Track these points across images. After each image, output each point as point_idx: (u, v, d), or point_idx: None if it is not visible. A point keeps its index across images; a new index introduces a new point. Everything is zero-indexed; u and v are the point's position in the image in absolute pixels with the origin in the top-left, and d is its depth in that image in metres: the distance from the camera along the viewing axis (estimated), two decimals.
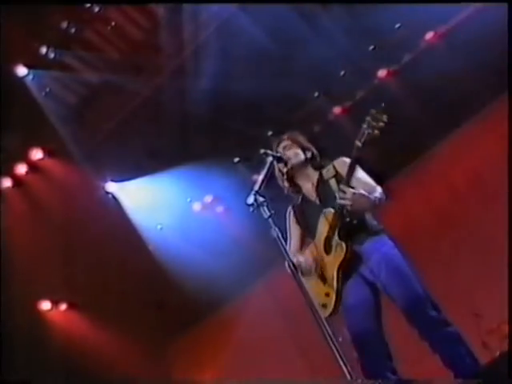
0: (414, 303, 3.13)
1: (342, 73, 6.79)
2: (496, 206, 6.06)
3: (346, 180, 3.20)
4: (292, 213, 3.56)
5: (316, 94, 7.00)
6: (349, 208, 3.17)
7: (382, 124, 3.09)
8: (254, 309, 7.82)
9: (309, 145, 3.59)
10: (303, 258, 3.33)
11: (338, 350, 2.41)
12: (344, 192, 3.15)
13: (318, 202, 3.43)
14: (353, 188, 3.19)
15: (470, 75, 6.44)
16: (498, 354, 4.61)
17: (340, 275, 3.24)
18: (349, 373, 2.42)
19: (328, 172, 3.45)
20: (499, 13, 5.66)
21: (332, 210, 3.26)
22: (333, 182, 3.38)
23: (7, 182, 6.73)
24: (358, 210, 3.21)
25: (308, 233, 3.47)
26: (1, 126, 6.05)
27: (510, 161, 5.60)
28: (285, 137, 3.58)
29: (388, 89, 6.76)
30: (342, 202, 3.16)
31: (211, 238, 7.36)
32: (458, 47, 6.35)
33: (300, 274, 2.88)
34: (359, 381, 2.72)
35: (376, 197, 3.26)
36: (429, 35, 6.56)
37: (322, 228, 3.33)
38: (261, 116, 6.59)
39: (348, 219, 3.26)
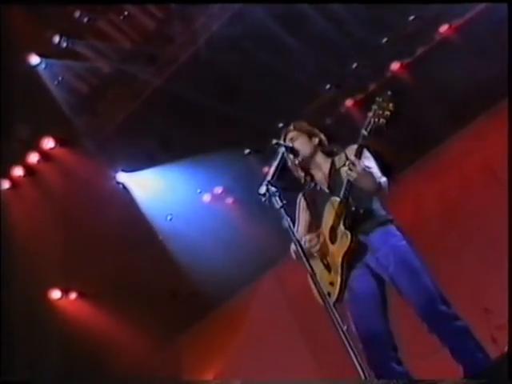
0: (424, 297, 3.11)
1: (355, 65, 6.75)
2: (505, 200, 6.00)
3: (357, 153, 3.15)
4: (303, 199, 3.54)
5: (328, 87, 6.97)
6: (352, 180, 3.14)
7: (387, 113, 3.07)
8: (263, 300, 7.84)
9: (315, 131, 3.57)
10: (306, 238, 3.30)
11: (347, 338, 2.40)
12: (354, 164, 3.11)
13: (328, 190, 3.42)
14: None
15: (483, 69, 6.38)
16: (506, 349, 4.58)
17: (344, 265, 3.23)
18: (358, 362, 2.41)
19: (340, 160, 3.43)
20: None
21: (338, 199, 3.25)
22: (343, 170, 3.33)
23: (19, 171, 6.75)
24: (360, 186, 3.17)
25: (316, 220, 3.45)
26: (13, 114, 6.07)
27: (510, 161, 5.55)
28: (291, 127, 3.57)
29: (401, 82, 6.72)
30: (349, 172, 3.12)
31: (221, 229, 7.37)
32: (472, 41, 6.29)
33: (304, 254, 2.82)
34: (370, 380, 2.71)
35: (380, 182, 3.24)
36: (443, 28, 6.49)
37: (328, 217, 3.31)
38: (272, 108, 6.57)
39: (354, 208, 3.24)
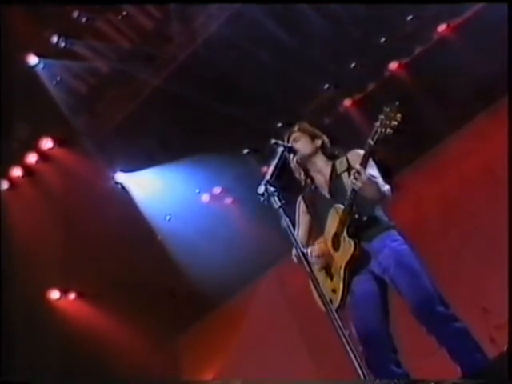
0: (423, 299, 3.12)
1: (353, 65, 6.75)
2: (504, 200, 6.00)
3: (363, 162, 3.12)
4: (302, 202, 3.54)
5: (326, 86, 6.97)
6: (356, 189, 3.11)
7: (395, 123, 3.04)
8: (263, 300, 7.84)
9: (319, 133, 3.57)
10: (310, 249, 3.31)
11: (348, 342, 2.40)
12: (359, 173, 3.09)
13: (328, 195, 3.41)
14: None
15: (482, 68, 6.39)
16: (505, 348, 4.58)
17: (347, 272, 3.24)
18: (358, 365, 2.40)
19: (341, 165, 3.42)
20: None
21: (342, 207, 3.24)
22: (345, 176, 3.35)
23: (17, 171, 6.74)
24: (365, 195, 3.16)
25: (317, 223, 3.45)
26: (12, 115, 6.05)
27: (510, 160, 5.56)
28: (295, 129, 3.56)
29: (399, 81, 6.72)
30: (355, 182, 3.09)
31: (220, 229, 7.37)
32: (470, 40, 6.30)
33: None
34: (370, 380, 2.70)
35: (384, 191, 3.24)
36: (441, 27, 6.50)
37: (331, 224, 3.31)
38: (271, 107, 6.57)
39: (357, 216, 3.24)
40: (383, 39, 6.52)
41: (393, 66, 6.78)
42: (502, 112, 6.50)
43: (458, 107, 6.73)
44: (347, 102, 7.05)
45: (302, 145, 3.46)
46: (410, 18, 6.37)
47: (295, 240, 2.73)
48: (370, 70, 6.83)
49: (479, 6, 6.28)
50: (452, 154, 6.98)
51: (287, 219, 2.72)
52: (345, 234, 3.24)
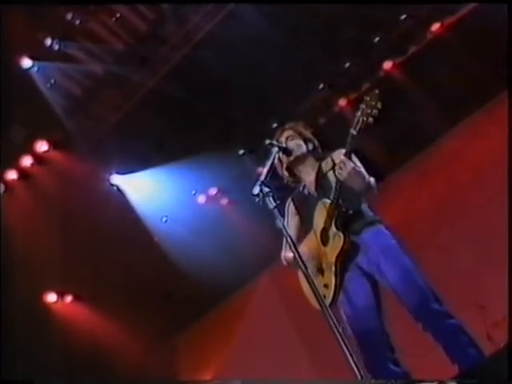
0: (416, 296, 3.12)
1: (347, 64, 6.77)
2: (497, 198, 6.02)
3: (347, 153, 3.14)
4: (292, 204, 3.54)
5: (321, 86, 6.98)
6: (342, 179, 3.12)
7: (376, 111, 3.05)
8: (259, 300, 7.84)
9: (311, 136, 3.58)
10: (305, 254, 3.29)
11: (343, 340, 2.40)
12: (344, 164, 3.11)
13: (316, 194, 3.42)
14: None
15: (475, 68, 6.41)
16: (502, 345, 4.59)
17: (338, 265, 3.22)
18: (354, 362, 2.40)
19: (327, 164, 3.43)
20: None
21: (328, 201, 3.25)
22: (331, 175, 3.35)
23: (13, 175, 6.73)
24: (351, 186, 3.16)
25: (307, 224, 3.45)
26: (6, 118, 6.05)
27: (510, 155, 5.57)
28: (287, 127, 3.57)
29: (393, 81, 6.73)
30: (340, 172, 3.11)
31: (216, 230, 7.37)
32: (464, 39, 6.32)
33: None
34: (368, 380, 2.69)
35: (369, 181, 3.24)
36: (435, 26, 6.52)
37: (319, 218, 3.31)
38: (266, 108, 6.58)
39: (344, 209, 3.24)
40: (377, 38, 6.54)
41: (387, 65, 6.79)
42: (495, 111, 6.52)
43: (451, 106, 6.75)
44: (342, 102, 7.05)
45: (296, 145, 3.47)
46: (403, 17, 6.39)
47: (290, 239, 2.74)
48: (365, 69, 6.85)
49: (473, 4, 6.29)
50: (444, 153, 6.98)
51: (282, 219, 2.73)
52: (333, 227, 3.24)
